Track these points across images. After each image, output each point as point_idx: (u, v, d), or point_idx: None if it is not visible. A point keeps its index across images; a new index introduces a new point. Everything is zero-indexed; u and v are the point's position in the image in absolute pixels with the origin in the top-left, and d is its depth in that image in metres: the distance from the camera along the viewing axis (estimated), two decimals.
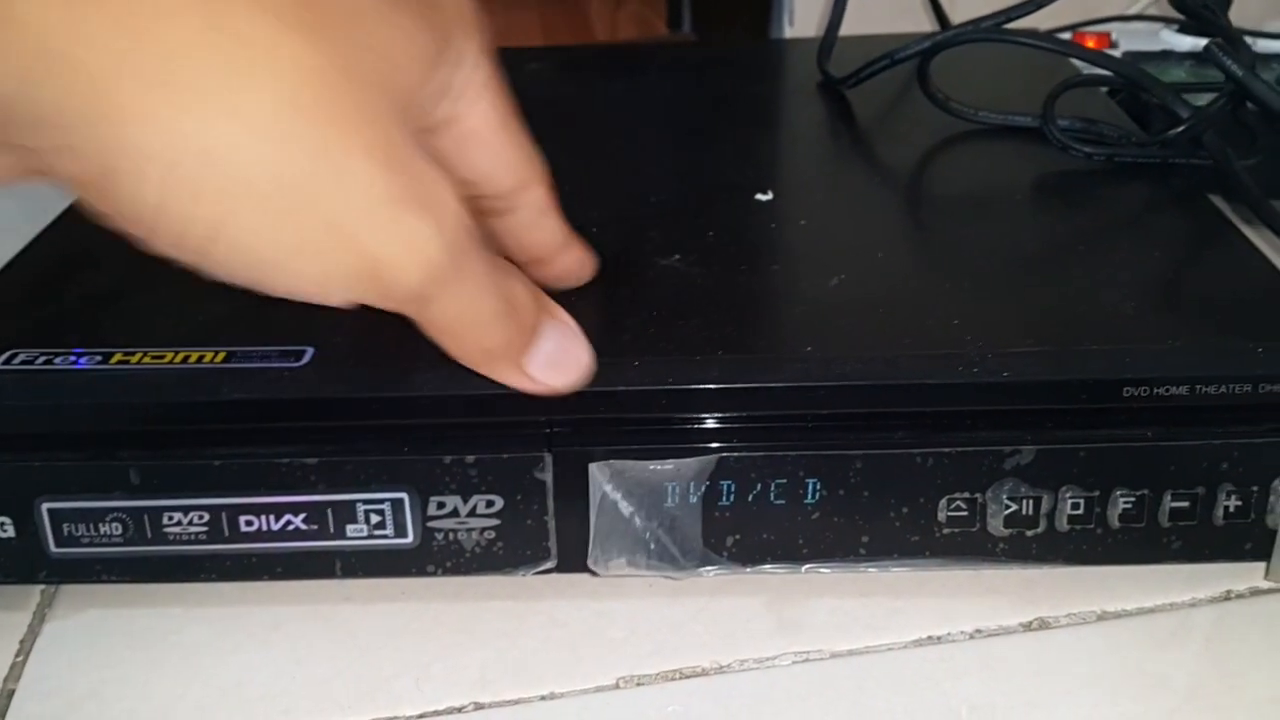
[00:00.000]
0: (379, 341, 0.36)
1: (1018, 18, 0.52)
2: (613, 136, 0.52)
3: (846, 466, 0.35)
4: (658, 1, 1.01)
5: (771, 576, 0.36)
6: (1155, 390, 0.34)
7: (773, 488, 0.35)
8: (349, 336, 0.36)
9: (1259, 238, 0.42)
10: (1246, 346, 0.34)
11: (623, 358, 0.35)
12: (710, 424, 0.35)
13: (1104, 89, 0.55)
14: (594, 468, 0.34)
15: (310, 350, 0.35)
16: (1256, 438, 0.34)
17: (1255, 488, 0.35)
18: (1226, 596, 0.36)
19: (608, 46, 0.68)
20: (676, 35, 0.97)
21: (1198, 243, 0.42)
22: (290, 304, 0.38)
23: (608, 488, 0.35)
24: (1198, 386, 0.34)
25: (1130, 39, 0.72)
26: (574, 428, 0.35)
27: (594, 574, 0.36)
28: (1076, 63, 0.55)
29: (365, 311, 0.37)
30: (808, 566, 0.36)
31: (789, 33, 0.82)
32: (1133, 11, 0.78)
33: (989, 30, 0.50)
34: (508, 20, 1.04)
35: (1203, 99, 0.53)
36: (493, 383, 0.33)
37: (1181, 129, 0.47)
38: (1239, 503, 0.35)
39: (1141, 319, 0.36)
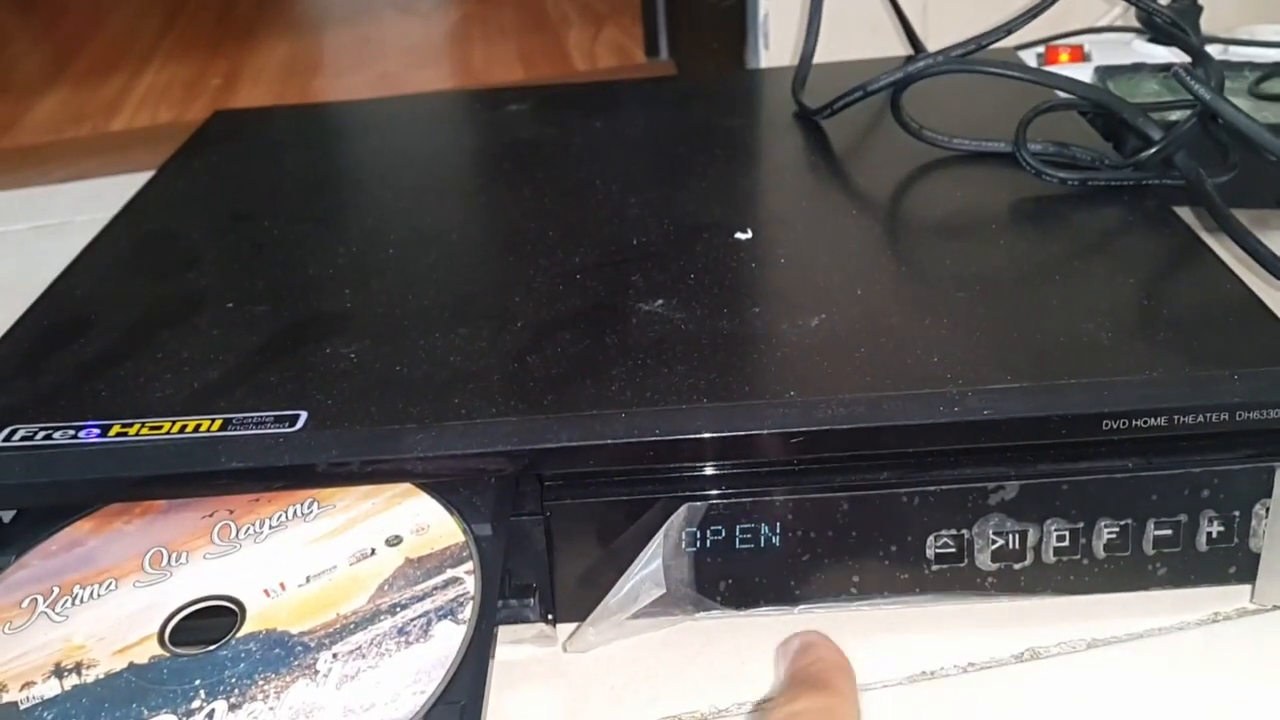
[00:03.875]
0: (369, 403, 0.36)
1: (990, 44, 0.53)
2: (594, 177, 0.53)
3: (834, 508, 0.35)
4: (635, 29, 1.02)
5: (765, 619, 0.37)
6: (1134, 422, 0.34)
7: (762, 532, 0.35)
8: (340, 399, 0.37)
9: (1223, 248, 0.43)
10: (1223, 375, 0.35)
11: (611, 409, 0.35)
12: (698, 472, 0.36)
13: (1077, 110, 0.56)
14: (591, 517, 0.35)
15: (304, 414, 0.36)
16: (1235, 464, 0.35)
17: (1237, 512, 0.35)
18: (1214, 619, 0.37)
19: (585, 85, 0.68)
20: (654, 62, 0.98)
21: (1173, 267, 0.43)
22: (282, 366, 0.39)
23: (603, 538, 0.35)
24: (1176, 417, 0.34)
25: (1103, 50, 0.73)
26: (565, 481, 0.35)
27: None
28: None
29: (353, 375, 0.38)
30: (801, 608, 0.36)
31: (764, 56, 0.83)
32: (1104, 23, 0.79)
33: (958, 60, 0.51)
34: (487, 51, 1.05)
35: (1177, 113, 0.54)
36: (482, 441, 0.34)
37: (1154, 150, 0.48)
38: (1221, 528, 0.35)
39: (1118, 349, 0.37)
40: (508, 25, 1.11)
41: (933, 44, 0.82)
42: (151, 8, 1.26)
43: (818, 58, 0.64)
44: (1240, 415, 0.34)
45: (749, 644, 0.37)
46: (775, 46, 0.83)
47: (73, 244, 0.50)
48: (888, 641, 0.37)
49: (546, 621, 0.36)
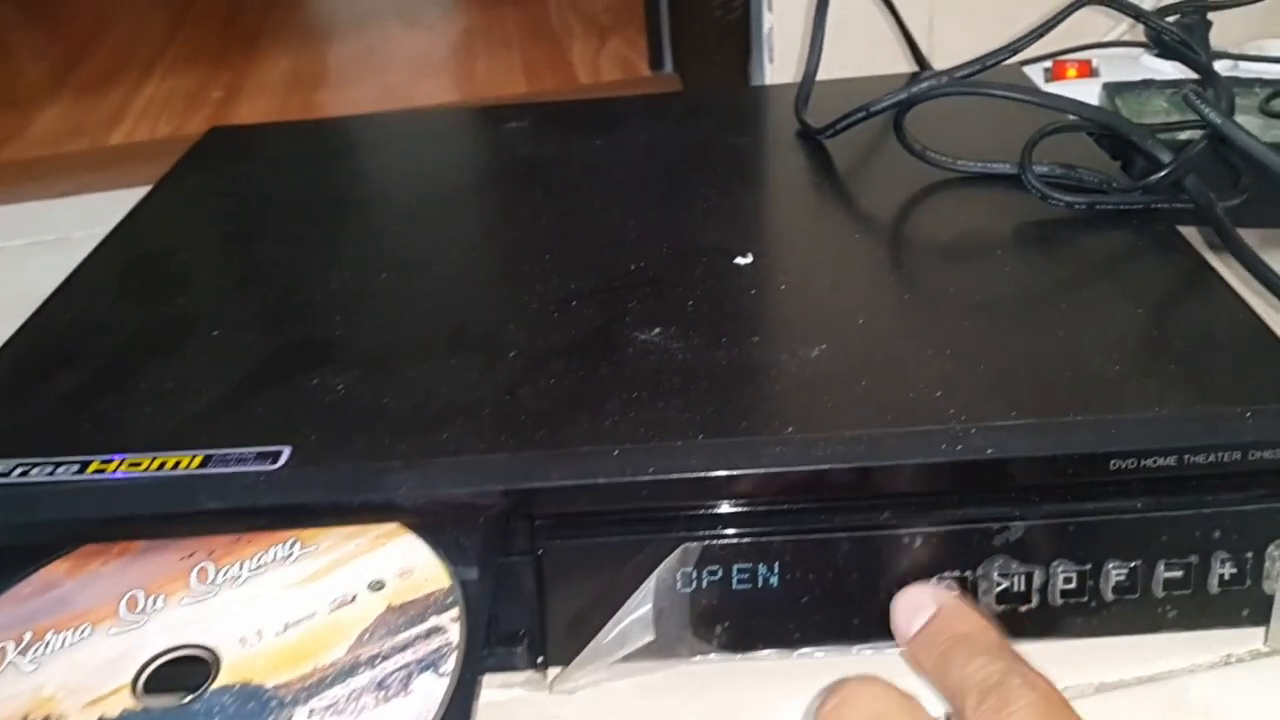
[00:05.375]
0: (355, 438, 0.35)
1: (994, 64, 0.52)
2: (593, 198, 0.52)
3: (833, 549, 0.34)
4: (639, 42, 1.01)
5: (763, 663, 0.36)
6: (1143, 462, 0.33)
7: (759, 573, 0.34)
8: (326, 433, 0.36)
9: (1231, 271, 0.42)
10: (1234, 413, 0.34)
11: (604, 445, 0.34)
12: (694, 511, 0.35)
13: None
14: (583, 558, 0.34)
15: (288, 450, 0.35)
16: (1248, 504, 0.34)
17: (1249, 554, 0.34)
18: (1226, 662, 0.36)
19: (585, 102, 0.68)
20: (659, 75, 0.97)
21: (1182, 296, 0.41)
22: (267, 398, 0.38)
23: (595, 579, 0.34)
24: (1186, 456, 0.33)
25: (1112, 65, 0.71)
26: (558, 521, 0.34)
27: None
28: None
29: (340, 407, 0.37)
30: (800, 651, 0.35)
31: (769, 70, 0.82)
32: (1113, 36, 0.78)
33: (961, 81, 0.50)
34: (491, 64, 1.04)
35: (1187, 133, 0.53)
36: (470, 479, 0.33)
37: (1163, 174, 0.47)
38: (1234, 570, 0.34)
39: (1126, 384, 0.36)
40: (511, 37, 1.11)
41: (938, 59, 0.81)
42: (154, 17, 1.26)
43: (823, 74, 0.63)
44: (1252, 454, 0.33)
45: (746, 689, 0.36)
46: (780, 60, 0.82)
47: (70, 260, 0.49)
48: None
49: (536, 666, 0.35)
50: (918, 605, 0.34)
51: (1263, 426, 0.33)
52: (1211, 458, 0.33)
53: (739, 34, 0.86)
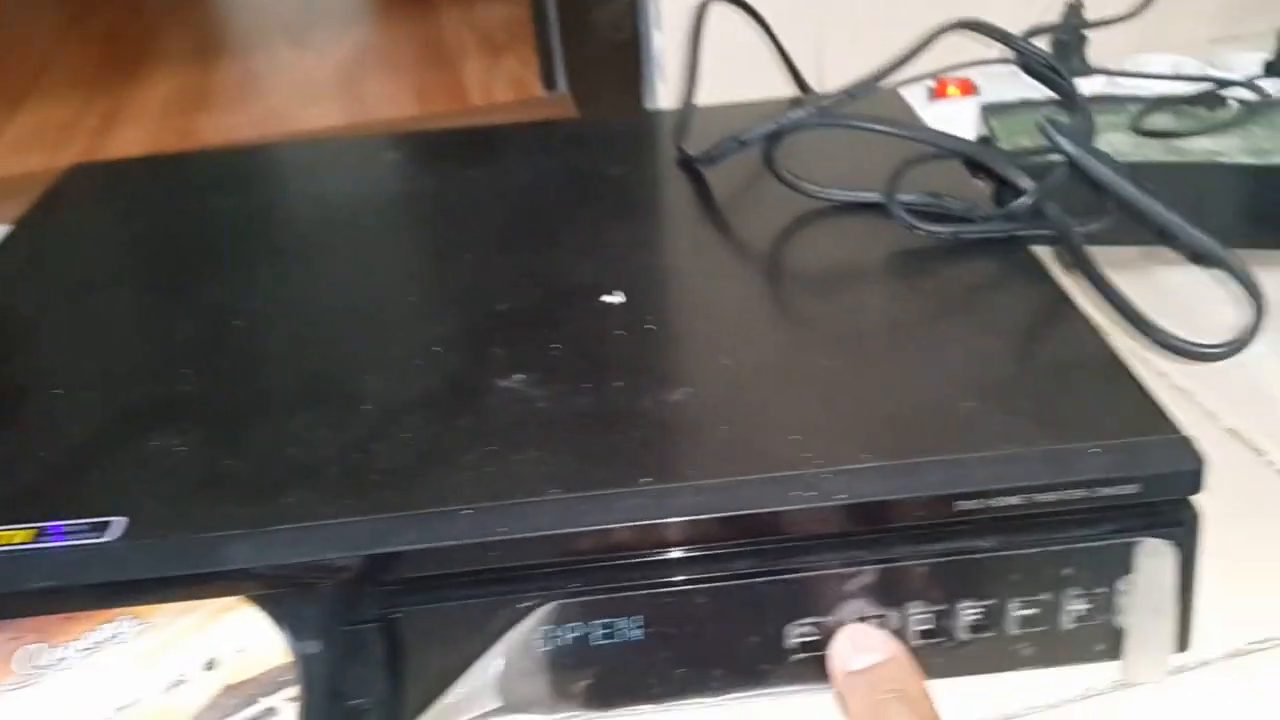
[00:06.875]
0: (193, 505, 0.34)
1: (860, 94, 0.52)
2: (466, 235, 0.51)
3: (689, 601, 0.34)
4: (534, 61, 1.00)
5: (626, 718, 0.35)
6: (989, 501, 0.33)
7: (617, 628, 0.34)
8: (163, 501, 0.34)
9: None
10: (1080, 449, 0.34)
11: (455, 505, 0.33)
12: (550, 569, 0.34)
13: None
14: (435, 623, 0.33)
15: (123, 520, 0.33)
16: (1096, 540, 0.34)
17: (1101, 589, 0.35)
18: (1086, 695, 0.36)
19: (466, 130, 0.67)
20: (552, 96, 0.96)
21: (1038, 328, 0.42)
22: (104, 463, 0.37)
23: (449, 643, 0.33)
24: (1032, 495, 0.33)
25: (993, 83, 0.72)
26: (406, 587, 0.33)
27: None
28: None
29: (180, 471, 0.36)
30: (662, 704, 0.35)
31: (661, 92, 0.82)
32: (994, 55, 0.79)
33: (826, 115, 0.50)
34: (381, 86, 1.02)
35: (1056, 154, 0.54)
36: (312, 548, 0.32)
37: (1024, 201, 0.47)
38: (1086, 605, 0.35)
39: (978, 421, 0.36)
40: (404, 58, 1.09)
41: (830, 77, 0.81)
42: (31, 41, 1.22)
43: (715, 97, 0.63)
44: (1099, 491, 0.33)
45: None
46: (674, 81, 0.81)
47: None
48: None
49: None
50: (866, 646, 0.34)
51: (1107, 464, 0.34)
52: (1059, 495, 0.33)
53: (630, 54, 0.86)
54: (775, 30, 0.68)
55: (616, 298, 0.45)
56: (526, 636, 0.33)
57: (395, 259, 0.50)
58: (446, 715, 0.33)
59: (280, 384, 0.40)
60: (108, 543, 0.33)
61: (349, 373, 0.41)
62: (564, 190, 0.56)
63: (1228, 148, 0.60)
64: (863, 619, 0.34)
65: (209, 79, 1.07)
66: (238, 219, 0.55)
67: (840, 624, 0.34)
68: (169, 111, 0.98)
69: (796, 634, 0.34)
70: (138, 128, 0.93)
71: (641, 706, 0.35)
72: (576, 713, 0.34)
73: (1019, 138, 0.62)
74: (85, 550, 0.32)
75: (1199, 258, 0.54)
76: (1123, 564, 0.34)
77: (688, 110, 0.60)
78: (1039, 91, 0.67)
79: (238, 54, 1.15)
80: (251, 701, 0.29)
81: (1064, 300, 0.43)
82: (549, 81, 0.98)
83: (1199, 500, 0.35)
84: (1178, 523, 0.35)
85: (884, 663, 0.33)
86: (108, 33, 1.23)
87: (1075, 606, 0.34)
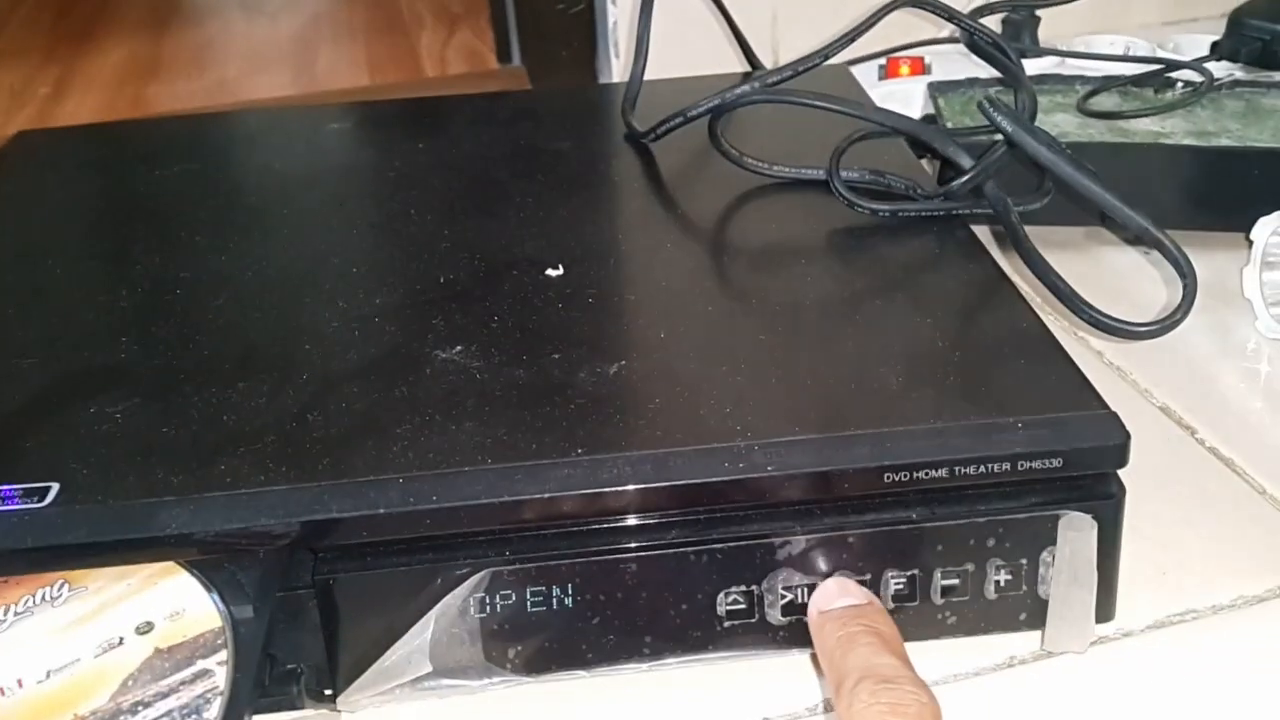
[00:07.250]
0: (128, 471, 0.34)
1: (806, 70, 0.53)
2: (409, 206, 0.51)
3: (621, 569, 0.34)
4: (486, 34, 1.00)
5: (559, 684, 0.36)
6: (916, 474, 0.34)
7: (549, 596, 0.34)
8: (97, 467, 0.34)
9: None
10: (1006, 423, 0.35)
11: (389, 474, 0.34)
12: (481, 538, 0.34)
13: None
14: (369, 589, 0.33)
15: (56, 486, 0.33)
16: (1020, 513, 0.35)
17: (1024, 560, 0.35)
18: (1010, 664, 0.37)
19: (414, 100, 0.66)
20: (506, 69, 0.96)
21: (972, 306, 0.43)
22: (40, 430, 0.37)
23: (383, 609, 0.34)
24: (957, 468, 0.34)
25: (944, 62, 0.73)
26: (340, 553, 0.34)
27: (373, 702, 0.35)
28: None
29: (115, 438, 0.36)
30: (594, 671, 0.35)
31: (615, 65, 0.82)
32: (945, 34, 0.80)
33: (770, 90, 0.50)
34: (334, 55, 1.01)
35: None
36: (244, 515, 0.32)
37: (963, 180, 0.48)
38: (1009, 576, 0.35)
39: (907, 396, 0.36)
40: (358, 27, 1.08)
41: (784, 50, 0.82)
42: None
43: (666, 71, 0.63)
44: (1021, 465, 0.34)
45: (540, 710, 0.36)
46: (627, 55, 0.81)
47: None
48: (683, 698, 0.36)
49: (325, 699, 0.34)
50: (850, 592, 0.34)
51: (1031, 438, 0.34)
52: (983, 469, 0.34)
53: (584, 28, 0.86)
54: (728, 6, 0.69)
55: (558, 271, 0.45)
56: (459, 603, 0.34)
57: (339, 230, 0.50)
58: (379, 680, 0.33)
59: (219, 352, 0.40)
60: (43, 508, 0.33)
61: (288, 342, 0.41)
62: (510, 163, 0.56)
63: (1172, 129, 0.61)
64: (790, 589, 0.35)
65: (161, 47, 1.05)
66: (181, 188, 0.54)
67: (771, 591, 0.35)
68: (121, 79, 0.96)
69: (728, 602, 0.35)
70: (89, 96, 0.92)
71: (574, 672, 0.35)
72: (508, 678, 0.35)
73: (963, 117, 0.62)
74: (21, 515, 0.32)
75: (1138, 239, 0.54)
76: (1047, 536, 0.35)
77: (635, 84, 0.60)
78: (988, 71, 0.68)
79: (191, 22, 1.13)
80: (185, 664, 0.30)
81: (1000, 279, 0.43)
82: (503, 54, 0.97)
83: (1124, 475, 0.36)
84: (1101, 496, 0.36)
85: (860, 605, 0.34)
86: (61, 3, 1.21)
87: (999, 577, 0.35)
